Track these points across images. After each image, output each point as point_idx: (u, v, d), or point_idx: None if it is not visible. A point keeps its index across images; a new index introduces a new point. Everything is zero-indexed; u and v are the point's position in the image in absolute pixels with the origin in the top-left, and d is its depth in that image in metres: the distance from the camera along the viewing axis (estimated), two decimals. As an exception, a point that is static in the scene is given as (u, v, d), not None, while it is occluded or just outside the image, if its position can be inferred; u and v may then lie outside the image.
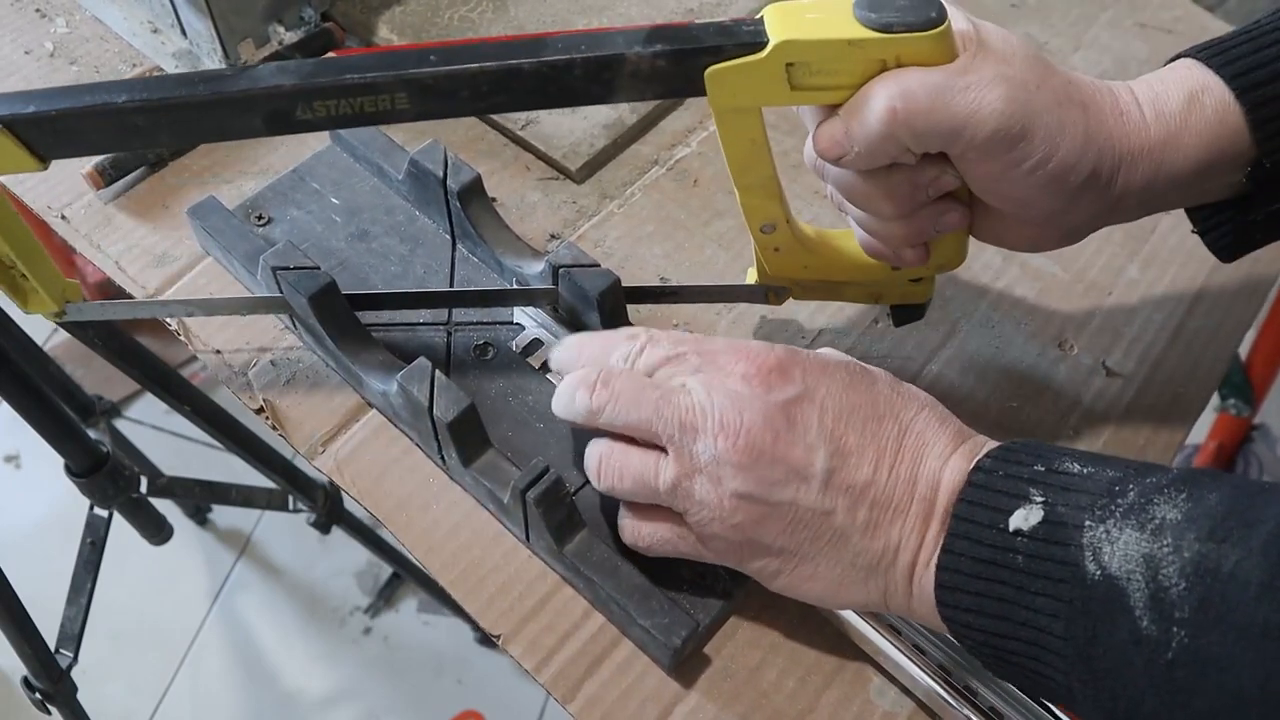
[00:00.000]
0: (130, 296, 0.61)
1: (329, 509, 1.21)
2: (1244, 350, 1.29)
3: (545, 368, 0.57)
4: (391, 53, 0.45)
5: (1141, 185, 0.46)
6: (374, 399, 0.56)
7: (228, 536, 1.61)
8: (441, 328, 0.59)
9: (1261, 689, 0.32)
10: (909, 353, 0.62)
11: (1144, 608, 0.35)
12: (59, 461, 0.93)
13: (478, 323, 0.59)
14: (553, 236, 0.65)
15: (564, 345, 0.51)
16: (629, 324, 0.57)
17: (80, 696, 1.01)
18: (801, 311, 0.62)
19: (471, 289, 0.60)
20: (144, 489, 1.04)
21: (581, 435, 0.52)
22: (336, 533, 1.27)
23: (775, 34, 0.43)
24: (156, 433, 1.66)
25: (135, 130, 0.45)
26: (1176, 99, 0.46)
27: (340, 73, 0.44)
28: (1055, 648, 0.38)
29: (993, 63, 0.43)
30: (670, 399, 0.45)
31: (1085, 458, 0.41)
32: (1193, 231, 0.52)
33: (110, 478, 0.96)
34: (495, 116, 0.69)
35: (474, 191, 0.59)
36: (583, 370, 0.47)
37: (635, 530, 0.48)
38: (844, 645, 0.51)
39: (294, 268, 0.54)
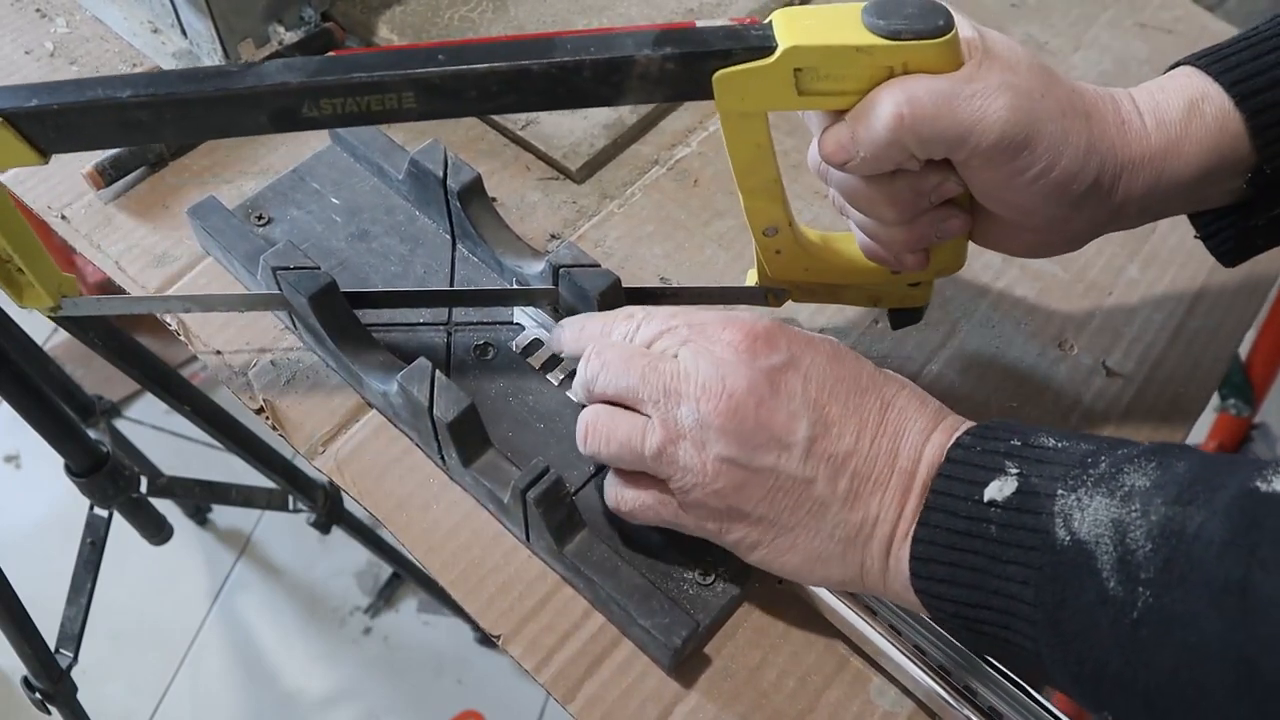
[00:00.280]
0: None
1: (329, 509, 1.21)
2: (1244, 350, 1.29)
3: (545, 368, 0.57)
4: (399, 51, 0.45)
5: (1143, 193, 0.47)
6: (374, 399, 0.56)
7: (228, 536, 1.61)
8: (441, 328, 0.59)
9: (1221, 642, 0.33)
10: (909, 353, 0.62)
11: (1111, 570, 0.36)
12: (59, 461, 0.93)
13: (478, 323, 0.59)
14: (553, 236, 0.65)
15: (566, 325, 0.52)
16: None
17: (80, 696, 1.01)
18: (802, 312, 0.62)
19: (471, 288, 0.60)
20: (144, 489, 1.04)
21: None
22: (336, 533, 1.27)
23: (784, 39, 0.44)
24: (156, 433, 1.66)
25: (139, 125, 0.45)
26: (1177, 107, 0.47)
27: (347, 71, 0.44)
28: (1025, 614, 0.39)
29: (998, 71, 0.44)
30: (656, 366, 0.45)
31: (1061, 434, 0.41)
32: (1195, 237, 0.53)
33: (110, 478, 0.96)
34: (496, 116, 0.69)
35: (474, 191, 0.59)
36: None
37: (619, 495, 0.49)
38: (844, 645, 0.51)
39: (294, 268, 0.54)
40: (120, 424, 1.46)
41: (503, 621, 0.51)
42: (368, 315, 0.58)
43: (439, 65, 0.44)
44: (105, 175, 0.63)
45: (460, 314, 0.59)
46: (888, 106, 0.43)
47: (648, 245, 0.65)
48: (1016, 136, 0.43)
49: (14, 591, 0.88)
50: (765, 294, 0.56)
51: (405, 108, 0.45)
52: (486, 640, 1.13)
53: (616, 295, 0.55)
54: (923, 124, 0.43)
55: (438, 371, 0.51)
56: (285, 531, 1.59)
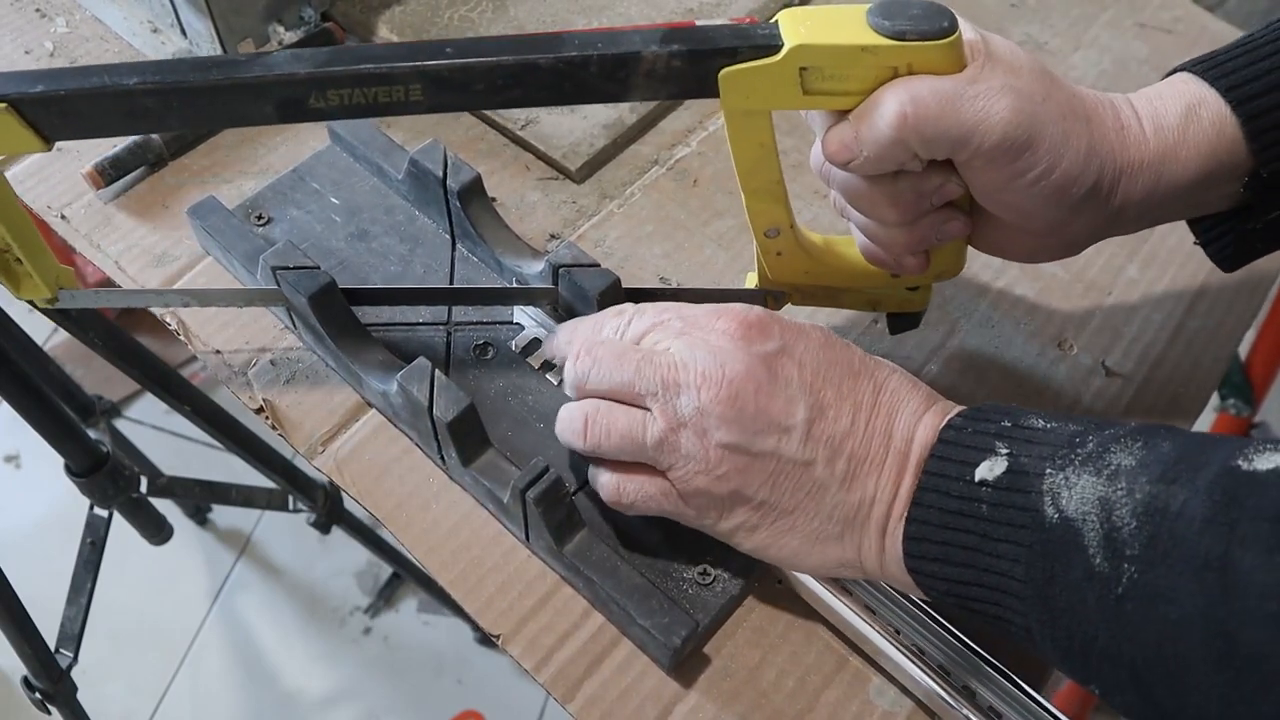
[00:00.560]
0: (130, 296, 0.61)
1: (329, 509, 1.21)
2: (1244, 350, 1.29)
3: (545, 367, 0.57)
4: (407, 44, 0.45)
5: (1141, 197, 0.47)
6: (374, 399, 0.56)
7: (228, 536, 1.61)
8: (441, 327, 0.59)
9: (1203, 616, 0.33)
10: (908, 352, 0.62)
11: (1097, 547, 0.37)
12: (59, 461, 0.93)
13: (477, 322, 0.59)
14: (552, 236, 0.65)
15: (559, 330, 0.52)
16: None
17: (80, 696, 1.01)
18: (801, 312, 0.62)
19: (471, 287, 0.60)
20: (144, 489, 1.04)
21: None
22: (336, 533, 1.27)
23: (790, 38, 0.44)
24: (156, 433, 1.66)
25: (144, 113, 0.45)
26: (1174, 112, 0.47)
27: (355, 62, 0.44)
28: (1015, 590, 0.39)
29: (1001, 73, 0.44)
30: (652, 359, 0.46)
31: (1050, 415, 0.42)
32: (1195, 243, 0.53)
33: (110, 478, 0.96)
34: (495, 116, 0.69)
35: (474, 191, 0.59)
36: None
37: (619, 487, 0.48)
38: (844, 645, 0.51)
39: (294, 267, 0.54)
40: (120, 424, 1.46)
41: (502, 621, 0.51)
42: (367, 315, 0.58)
43: (447, 58, 0.44)
44: (105, 175, 0.63)
45: (460, 313, 0.60)
46: (892, 105, 0.43)
47: (647, 245, 0.65)
48: (1019, 137, 0.44)
49: (14, 591, 0.88)
50: (765, 296, 0.56)
51: (412, 100, 0.45)
52: (486, 640, 1.13)
53: (616, 295, 0.55)
54: (926, 123, 0.43)
55: (437, 371, 0.51)
56: (285, 531, 1.59)
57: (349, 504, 1.17)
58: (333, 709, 1.46)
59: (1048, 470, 0.39)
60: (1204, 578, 0.33)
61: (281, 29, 0.69)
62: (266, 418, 0.57)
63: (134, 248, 0.63)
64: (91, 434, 0.95)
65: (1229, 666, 0.33)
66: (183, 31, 0.69)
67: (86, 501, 1.00)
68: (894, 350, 0.62)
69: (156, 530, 1.12)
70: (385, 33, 0.72)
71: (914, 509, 0.42)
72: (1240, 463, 0.35)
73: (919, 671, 0.48)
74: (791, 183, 0.68)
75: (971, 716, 0.47)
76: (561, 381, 0.57)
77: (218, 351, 0.59)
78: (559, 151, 0.68)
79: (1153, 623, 0.35)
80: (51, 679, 0.95)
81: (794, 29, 0.44)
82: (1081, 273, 0.66)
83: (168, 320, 0.60)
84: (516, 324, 0.59)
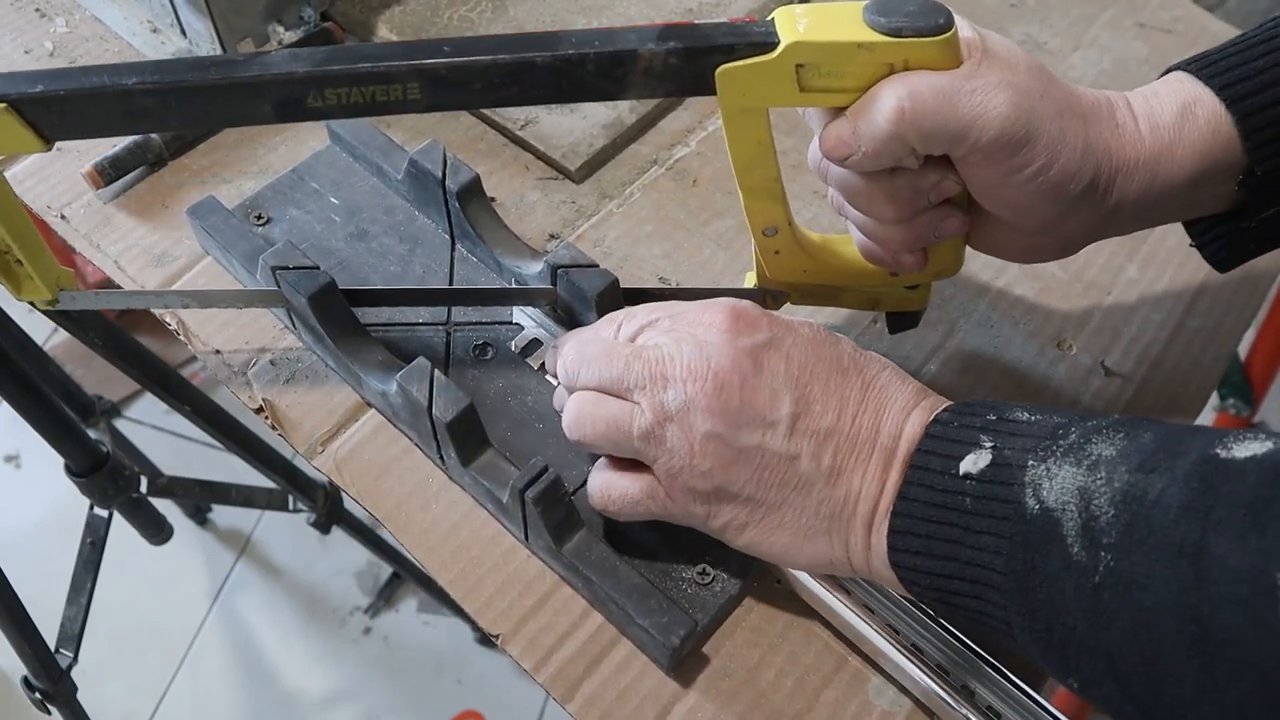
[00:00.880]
0: (129, 296, 0.61)
1: (329, 509, 1.21)
2: (1243, 350, 1.29)
3: (544, 368, 0.58)
4: (404, 43, 0.45)
5: (1136, 196, 0.47)
6: (373, 399, 0.56)
7: (228, 536, 1.61)
8: (440, 327, 0.59)
9: (1176, 602, 0.33)
10: (907, 352, 0.62)
11: (1075, 536, 0.37)
12: (59, 461, 0.93)
13: (477, 323, 0.59)
14: (552, 236, 0.65)
15: (557, 344, 0.52)
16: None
17: (80, 696, 1.01)
18: (800, 311, 0.62)
19: (470, 287, 0.60)
20: (144, 489, 1.04)
21: None
22: (336, 533, 1.27)
23: (786, 35, 0.44)
24: (156, 433, 1.66)
25: (144, 113, 0.45)
26: (1170, 111, 0.47)
27: (353, 61, 0.44)
28: (996, 583, 0.39)
29: (998, 69, 0.44)
30: (640, 354, 0.46)
31: (1035, 408, 0.42)
32: (1190, 245, 0.53)
33: (110, 478, 0.96)
34: (495, 116, 0.69)
35: (473, 191, 0.59)
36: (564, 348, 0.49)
37: (605, 492, 0.49)
38: (842, 645, 0.51)
39: (293, 267, 0.54)
40: (120, 424, 1.46)
41: (501, 621, 0.51)
42: (367, 315, 0.58)
43: (444, 56, 0.44)
44: (104, 175, 0.63)
45: (459, 314, 0.60)
46: (889, 100, 0.43)
47: (646, 245, 0.65)
48: (1016, 133, 0.44)
49: (14, 591, 0.88)
50: (764, 295, 0.56)
51: (410, 99, 0.45)
52: (486, 640, 1.13)
53: (614, 295, 0.55)
54: (924, 118, 0.43)
55: (436, 371, 0.51)
56: (285, 531, 1.59)
57: (349, 504, 1.17)
58: (333, 709, 1.46)
59: (1030, 462, 0.39)
60: (1178, 564, 0.34)
61: (281, 29, 0.69)
62: (266, 418, 0.57)
63: (134, 247, 0.63)
64: (91, 434, 0.95)
65: (1202, 652, 0.33)
66: (182, 31, 0.69)
67: (86, 501, 1.01)
68: (893, 350, 0.62)
69: (156, 530, 1.12)
70: (385, 32, 0.72)
71: (899, 503, 0.43)
72: (1219, 451, 0.35)
73: (918, 671, 0.48)
74: (790, 182, 0.68)
75: (970, 716, 0.47)
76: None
77: (217, 351, 0.59)
78: (558, 151, 0.68)
79: (1128, 610, 0.35)
80: (51, 679, 0.95)
81: (790, 26, 0.44)
82: (1081, 272, 0.66)
83: (168, 320, 0.60)
84: (516, 324, 0.59)
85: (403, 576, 1.52)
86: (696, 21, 0.73)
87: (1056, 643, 0.38)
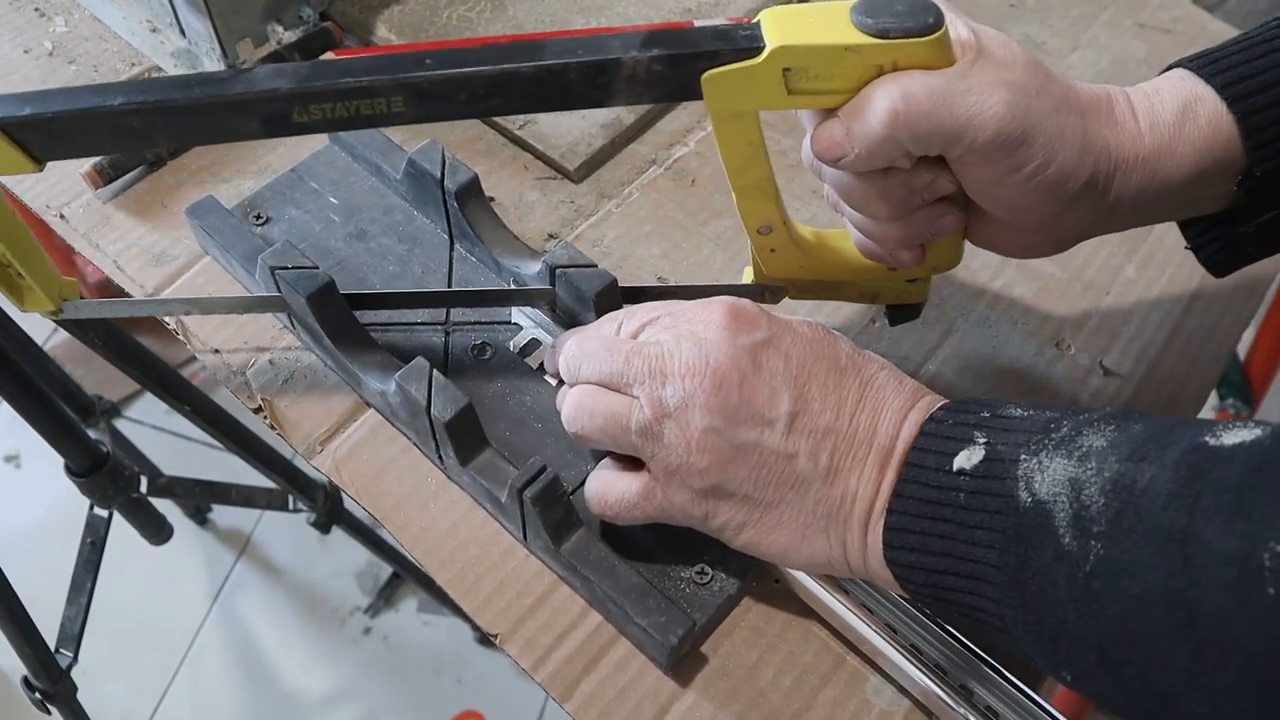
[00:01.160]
0: (129, 296, 0.61)
1: (329, 509, 1.21)
2: (1243, 349, 1.29)
3: (543, 368, 0.58)
4: (388, 56, 0.45)
5: (1135, 193, 0.47)
6: (372, 398, 0.56)
7: (228, 536, 1.61)
8: (439, 327, 0.59)
9: (1163, 588, 0.34)
10: (906, 352, 0.62)
11: (1067, 526, 0.37)
12: (59, 461, 0.93)
13: (475, 323, 0.59)
14: (551, 236, 0.65)
15: (557, 343, 0.52)
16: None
17: (80, 696, 1.01)
18: (800, 310, 0.62)
19: (469, 289, 0.60)
20: (144, 489, 1.04)
21: None
22: (336, 533, 1.27)
23: (772, 39, 0.44)
24: (156, 433, 1.66)
25: (131, 132, 0.45)
26: (1170, 109, 0.47)
27: (337, 76, 0.44)
28: (990, 577, 0.39)
29: (993, 68, 0.44)
30: (640, 349, 0.46)
31: (1028, 404, 0.42)
32: (1186, 248, 0.53)
33: (110, 478, 0.96)
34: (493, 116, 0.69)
35: (472, 192, 0.59)
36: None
37: (602, 496, 0.49)
38: (841, 644, 0.51)
39: (292, 267, 0.54)
40: (120, 424, 1.46)
41: (500, 620, 0.51)
42: (366, 315, 0.58)
43: (427, 70, 0.44)
44: (104, 175, 0.63)
45: (458, 314, 0.60)
46: (883, 103, 0.43)
47: (645, 245, 0.65)
48: (1013, 133, 0.43)
49: (14, 591, 0.88)
50: (762, 291, 0.56)
51: (395, 112, 0.45)
52: (486, 640, 1.13)
53: (612, 296, 0.55)
54: (918, 120, 0.43)
55: (435, 371, 0.51)
56: (285, 531, 1.60)
57: (349, 504, 1.17)
58: (333, 709, 1.47)
59: (1022, 456, 0.39)
60: (1166, 550, 0.34)
61: (280, 29, 0.69)
62: (265, 418, 0.57)
63: (133, 247, 0.63)
64: (91, 434, 0.95)
65: (1190, 638, 0.33)
66: (181, 31, 0.69)
67: (86, 501, 1.01)
68: (892, 350, 0.62)
69: (156, 530, 1.12)
70: (384, 32, 0.72)
71: (894, 501, 0.43)
72: (1208, 439, 0.35)
73: (916, 671, 0.48)
74: (790, 181, 0.69)
75: (969, 716, 0.47)
76: (560, 382, 0.57)
77: (217, 351, 0.59)
78: (557, 151, 0.68)
79: (1118, 598, 0.35)
80: (51, 679, 0.95)
81: (776, 29, 0.44)
82: (1079, 272, 0.66)
83: (167, 320, 0.60)
84: (514, 324, 0.59)
85: (403, 576, 1.52)
86: (696, 22, 0.73)
87: (1049, 635, 0.38)
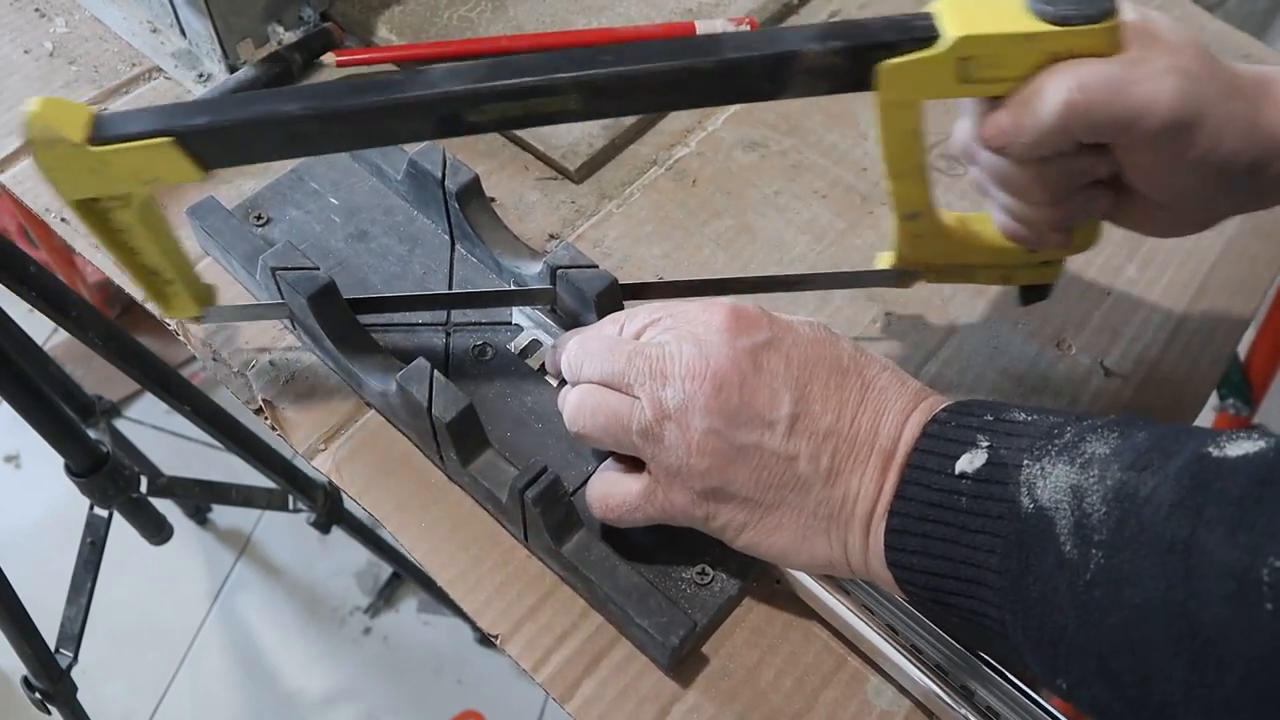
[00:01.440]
0: (131, 297, 0.61)
1: (329, 509, 1.21)
2: (1243, 350, 1.29)
3: (543, 368, 0.58)
4: (563, 53, 0.46)
5: None
6: (373, 399, 0.56)
7: (228, 536, 1.61)
8: (440, 328, 0.59)
9: (1164, 598, 0.33)
10: (907, 352, 0.62)
11: (1068, 534, 0.37)
12: (59, 461, 0.94)
13: (476, 323, 0.59)
14: (551, 236, 0.65)
15: (558, 343, 0.52)
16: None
17: (80, 696, 1.01)
18: (802, 311, 0.62)
19: (469, 291, 0.60)
20: (144, 489, 1.04)
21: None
22: (336, 533, 1.27)
23: (952, 28, 0.43)
24: (156, 433, 1.66)
25: (303, 139, 0.45)
26: None
27: (513, 75, 0.44)
28: (991, 582, 0.39)
29: (1163, 54, 0.43)
30: (642, 350, 0.46)
31: (1032, 409, 0.42)
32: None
33: (110, 478, 0.96)
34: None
35: (472, 192, 0.59)
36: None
37: (604, 499, 0.49)
38: (842, 645, 0.51)
39: (293, 268, 0.54)
40: (120, 424, 1.46)
41: (501, 621, 0.51)
42: (366, 315, 0.58)
43: (607, 67, 0.44)
44: (104, 175, 0.63)
45: (459, 314, 0.60)
46: (1058, 93, 0.43)
47: (646, 245, 0.65)
48: (1184, 120, 0.43)
49: (14, 591, 0.89)
50: (896, 276, 0.56)
51: (570, 109, 0.45)
52: (486, 640, 1.13)
53: (614, 296, 0.55)
54: (1095, 109, 0.43)
55: (436, 371, 0.51)
56: (285, 531, 1.60)
57: (349, 504, 1.17)
58: (333, 709, 1.47)
59: (1025, 461, 0.39)
60: (1167, 560, 0.33)
61: (281, 29, 0.70)
62: (266, 418, 0.57)
63: (133, 248, 0.62)
64: (91, 434, 0.95)
65: (1189, 649, 0.33)
66: (182, 31, 0.69)
67: (86, 501, 1.01)
68: (893, 350, 0.62)
69: (156, 530, 1.12)
70: (385, 33, 0.72)
71: (896, 502, 0.42)
72: (1212, 450, 0.35)
73: (917, 671, 0.48)
74: (790, 182, 0.69)
75: (969, 716, 0.47)
76: (561, 383, 0.57)
77: (217, 351, 0.59)
78: (558, 151, 0.68)
79: (1118, 608, 0.35)
80: (51, 679, 0.95)
81: (954, 19, 0.43)
82: (1080, 272, 0.66)
83: (167, 320, 0.60)
84: (515, 325, 0.59)
85: (403, 576, 1.52)
86: (696, 22, 0.73)
87: (1048, 641, 0.38)
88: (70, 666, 0.98)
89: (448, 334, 0.59)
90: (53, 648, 0.96)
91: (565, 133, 0.68)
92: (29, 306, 0.80)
